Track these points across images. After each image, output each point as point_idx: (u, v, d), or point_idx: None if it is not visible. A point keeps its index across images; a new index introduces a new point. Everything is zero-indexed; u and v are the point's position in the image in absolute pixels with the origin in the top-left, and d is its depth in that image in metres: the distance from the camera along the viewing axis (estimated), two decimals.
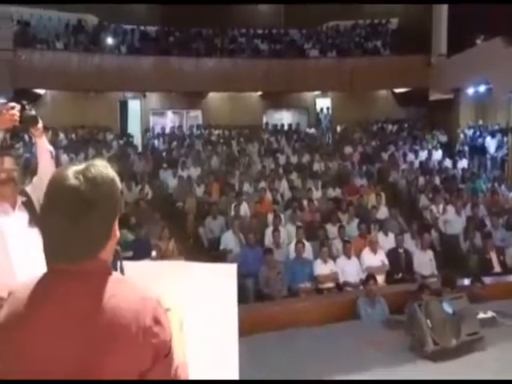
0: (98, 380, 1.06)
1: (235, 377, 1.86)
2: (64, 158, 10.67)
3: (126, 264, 1.82)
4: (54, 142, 11.97)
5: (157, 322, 1.07)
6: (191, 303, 1.75)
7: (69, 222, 1.05)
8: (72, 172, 1.08)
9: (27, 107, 2.19)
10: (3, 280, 2.45)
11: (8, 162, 2.50)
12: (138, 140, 14.62)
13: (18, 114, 2.19)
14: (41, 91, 15.33)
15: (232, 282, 1.83)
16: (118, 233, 1.16)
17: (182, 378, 1.14)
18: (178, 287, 1.66)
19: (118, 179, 1.15)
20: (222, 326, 1.82)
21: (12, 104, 2.20)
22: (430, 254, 7.16)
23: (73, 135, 14.07)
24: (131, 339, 1.04)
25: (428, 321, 3.54)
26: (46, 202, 1.10)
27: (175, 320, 1.25)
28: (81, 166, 1.10)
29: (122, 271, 1.74)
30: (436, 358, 3.46)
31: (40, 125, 2.29)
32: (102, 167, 1.12)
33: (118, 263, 1.81)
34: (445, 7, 15.39)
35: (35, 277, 1.12)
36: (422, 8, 17.43)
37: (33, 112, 2.21)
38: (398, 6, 18.40)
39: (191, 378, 1.38)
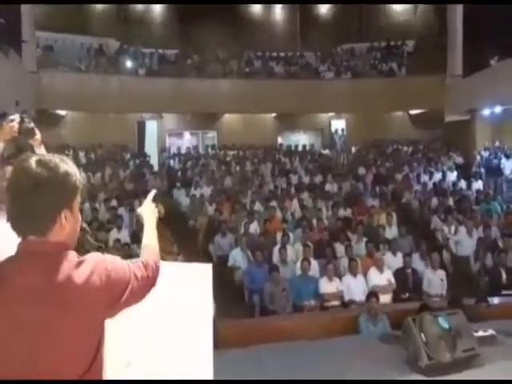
0: (94, 380, 1.27)
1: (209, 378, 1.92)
2: (82, 176, 10.96)
3: None
4: (75, 161, 12.30)
5: (106, 276, 1.30)
6: (166, 301, 1.85)
7: (18, 197, 1.26)
8: (33, 156, 1.29)
9: (26, 120, 2.34)
10: None
11: (9, 172, 2.67)
12: (154, 160, 14.89)
13: (16, 125, 2.33)
14: (62, 112, 15.83)
15: (207, 282, 1.91)
16: (74, 225, 1.36)
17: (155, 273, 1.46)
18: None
19: (74, 177, 1.33)
20: (197, 326, 1.90)
21: (12, 117, 2.35)
22: (441, 273, 7.09)
23: (92, 155, 14.42)
24: (86, 300, 1.25)
25: (422, 335, 3.54)
26: (8, 180, 1.31)
27: (151, 214, 1.72)
28: (44, 155, 1.31)
29: None
30: (430, 372, 3.46)
31: (38, 136, 2.44)
32: (60, 160, 1.31)
33: None
34: (459, 28, 15.44)
35: (8, 256, 1.31)
36: (437, 29, 17.57)
37: (31, 124, 2.36)
38: (414, 27, 18.58)
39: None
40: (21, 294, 1.22)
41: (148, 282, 1.43)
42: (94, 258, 1.32)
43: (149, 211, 1.77)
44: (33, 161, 1.27)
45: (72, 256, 1.30)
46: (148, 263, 1.47)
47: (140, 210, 1.78)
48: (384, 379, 3.23)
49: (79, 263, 1.28)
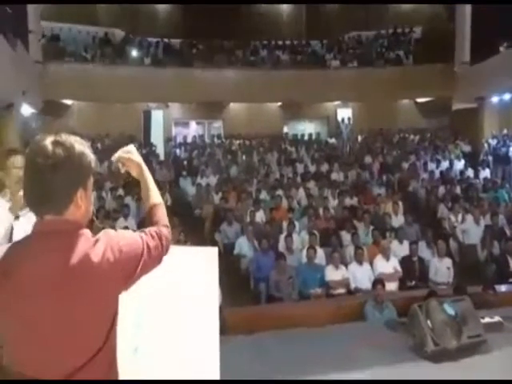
0: (93, 380, 1.27)
1: (215, 363, 1.93)
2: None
3: None
4: None
5: (119, 251, 1.31)
6: (172, 285, 1.86)
7: (35, 177, 1.27)
8: (49, 137, 1.29)
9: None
10: None
11: (20, 160, 2.68)
12: (160, 149, 14.89)
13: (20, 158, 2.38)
14: (68, 102, 15.85)
15: (213, 266, 1.92)
16: (88, 205, 1.38)
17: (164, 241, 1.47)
18: (159, 269, 1.74)
19: (89, 157, 1.35)
20: (203, 310, 1.91)
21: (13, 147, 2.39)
22: (447, 261, 7.07)
23: (98, 144, 14.43)
24: (102, 277, 1.27)
25: (428, 321, 3.55)
26: (25, 160, 1.31)
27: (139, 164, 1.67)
28: (59, 136, 1.30)
29: None
30: (436, 358, 3.46)
31: None
32: (75, 140, 1.32)
33: None
34: (468, 15, 15.22)
35: (23, 237, 1.32)
36: (445, 16, 17.33)
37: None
38: (421, 14, 18.36)
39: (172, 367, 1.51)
40: (38, 277, 1.23)
41: (161, 251, 1.45)
42: (106, 234, 1.35)
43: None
44: (48, 141, 1.28)
45: (89, 235, 1.33)
46: (161, 232, 1.48)
47: (135, 157, 1.71)
48: (389, 379, 3.23)
49: (95, 242, 1.30)
